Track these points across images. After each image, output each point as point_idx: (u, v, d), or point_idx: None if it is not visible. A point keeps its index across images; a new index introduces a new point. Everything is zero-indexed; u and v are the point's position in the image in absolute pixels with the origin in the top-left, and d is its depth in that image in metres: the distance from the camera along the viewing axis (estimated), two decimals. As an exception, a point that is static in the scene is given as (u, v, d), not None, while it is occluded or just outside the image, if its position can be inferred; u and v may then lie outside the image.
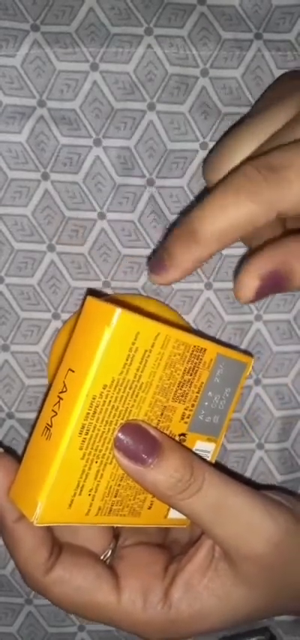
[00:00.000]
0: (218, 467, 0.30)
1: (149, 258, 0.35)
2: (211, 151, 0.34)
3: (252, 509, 0.29)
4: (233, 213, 0.25)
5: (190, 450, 0.29)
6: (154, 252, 0.35)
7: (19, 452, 0.36)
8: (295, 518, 0.30)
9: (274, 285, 0.27)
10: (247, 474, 0.38)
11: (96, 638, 0.38)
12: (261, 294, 0.27)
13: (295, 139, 0.27)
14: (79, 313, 0.27)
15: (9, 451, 0.36)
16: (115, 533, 0.32)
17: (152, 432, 0.28)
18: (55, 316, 0.35)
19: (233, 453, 0.37)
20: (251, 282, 0.27)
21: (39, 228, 0.35)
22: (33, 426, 0.29)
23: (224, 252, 0.36)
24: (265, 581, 0.30)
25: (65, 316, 0.35)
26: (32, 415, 0.36)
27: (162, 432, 0.29)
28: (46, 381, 0.36)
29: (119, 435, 0.28)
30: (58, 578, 0.30)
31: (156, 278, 0.27)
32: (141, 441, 0.28)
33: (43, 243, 0.35)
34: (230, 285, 0.36)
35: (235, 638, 0.38)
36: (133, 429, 0.28)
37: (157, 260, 0.27)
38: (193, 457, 0.29)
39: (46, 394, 0.31)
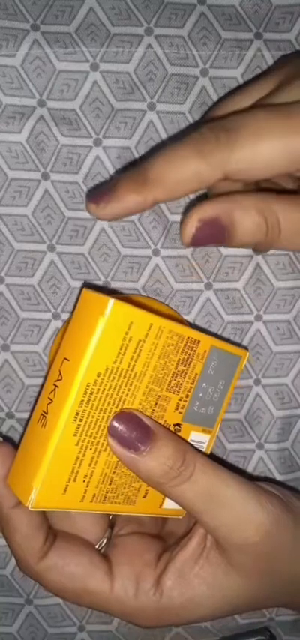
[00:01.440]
0: (217, 460, 0.30)
1: (90, 191, 0.35)
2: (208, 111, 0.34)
3: (243, 498, 0.29)
4: (182, 166, 0.26)
5: (182, 439, 0.30)
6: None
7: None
8: (286, 508, 0.30)
9: (212, 233, 0.28)
10: (247, 474, 0.38)
11: (96, 638, 0.38)
12: (199, 239, 0.28)
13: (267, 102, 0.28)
14: (70, 319, 0.28)
15: (8, 440, 0.36)
16: (111, 522, 0.33)
17: (145, 420, 0.29)
18: (55, 316, 0.35)
19: (233, 453, 0.37)
20: (189, 226, 0.28)
21: (39, 228, 0.35)
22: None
23: (224, 252, 0.36)
24: (256, 570, 0.30)
25: (65, 316, 0.35)
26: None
27: (155, 421, 0.29)
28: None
29: (113, 422, 0.28)
30: (51, 564, 0.30)
31: (93, 207, 0.27)
32: (134, 429, 0.28)
33: (43, 243, 0.35)
34: (230, 285, 0.36)
35: (235, 638, 0.38)
36: (126, 416, 0.28)
37: (99, 191, 0.27)
38: (185, 445, 0.29)
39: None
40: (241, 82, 0.35)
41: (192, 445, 0.31)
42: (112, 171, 0.35)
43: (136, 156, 0.35)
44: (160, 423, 0.30)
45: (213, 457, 0.32)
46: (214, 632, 0.38)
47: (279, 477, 0.38)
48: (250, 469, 0.37)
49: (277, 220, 0.28)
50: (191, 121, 0.35)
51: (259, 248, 0.29)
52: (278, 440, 0.37)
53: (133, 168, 0.27)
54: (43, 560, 0.30)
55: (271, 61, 0.35)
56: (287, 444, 0.37)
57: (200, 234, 0.28)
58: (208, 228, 0.28)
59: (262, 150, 0.26)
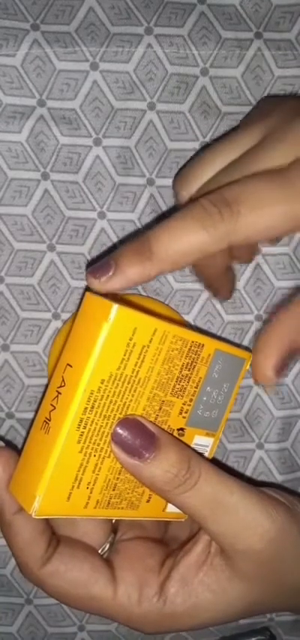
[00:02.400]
0: (217, 464, 0.30)
1: (89, 264, 0.35)
2: (182, 168, 0.35)
3: (248, 505, 0.29)
4: (188, 239, 0.27)
5: (187, 446, 0.30)
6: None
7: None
8: (291, 515, 0.30)
9: (290, 361, 0.28)
10: (247, 474, 0.38)
11: (96, 638, 0.38)
12: (280, 374, 0.28)
13: (253, 171, 0.28)
14: (73, 324, 0.28)
15: (9, 445, 0.36)
16: (114, 527, 0.32)
17: (150, 426, 0.29)
18: (55, 316, 0.35)
19: (233, 453, 0.37)
20: (270, 369, 0.28)
21: (39, 228, 0.35)
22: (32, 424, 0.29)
23: (224, 251, 0.36)
24: (260, 577, 0.30)
25: (65, 316, 0.35)
26: (32, 415, 0.36)
27: (159, 427, 0.29)
28: (46, 381, 0.36)
29: (117, 429, 0.28)
30: (54, 570, 0.30)
31: (94, 281, 0.27)
32: (138, 436, 0.28)
33: (43, 243, 0.35)
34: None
35: (235, 638, 0.38)
36: (130, 423, 0.28)
37: (100, 264, 0.27)
38: (190, 452, 0.29)
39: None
40: (241, 81, 0.35)
41: (196, 451, 0.31)
42: (112, 170, 0.35)
43: (136, 155, 0.35)
44: (164, 430, 0.29)
45: (213, 458, 0.32)
46: (214, 633, 0.38)
47: (279, 477, 0.37)
48: (250, 469, 0.37)
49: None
50: (191, 120, 0.35)
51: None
52: (278, 440, 0.37)
53: (135, 241, 0.27)
54: (45, 567, 0.30)
55: (271, 60, 0.35)
56: (287, 444, 0.37)
57: (281, 371, 0.29)
58: (286, 361, 0.28)
59: (265, 219, 0.27)
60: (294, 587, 0.31)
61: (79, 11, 0.34)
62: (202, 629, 0.32)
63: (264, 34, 0.35)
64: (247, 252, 0.34)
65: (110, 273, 0.27)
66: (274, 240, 0.35)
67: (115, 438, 0.28)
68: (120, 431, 0.28)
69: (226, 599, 0.30)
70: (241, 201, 0.27)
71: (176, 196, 0.32)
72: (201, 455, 0.31)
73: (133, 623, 0.31)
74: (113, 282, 0.27)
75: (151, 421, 0.29)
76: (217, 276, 0.32)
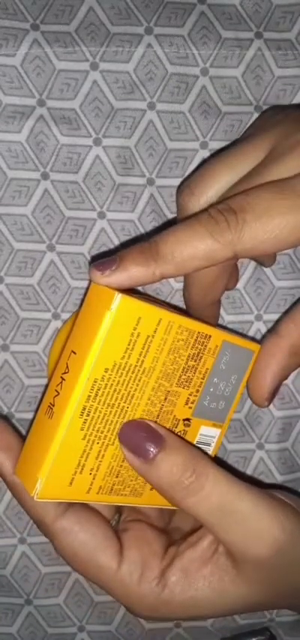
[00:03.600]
0: (218, 462, 0.30)
1: (92, 260, 0.35)
2: (186, 179, 0.35)
3: (258, 513, 0.29)
4: (195, 244, 0.27)
5: (196, 449, 0.30)
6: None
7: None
8: (299, 519, 0.30)
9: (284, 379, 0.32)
10: (247, 474, 0.37)
11: (96, 639, 0.38)
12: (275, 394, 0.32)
13: (260, 183, 0.28)
14: (78, 313, 0.28)
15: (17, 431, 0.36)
16: (119, 509, 0.33)
17: (157, 428, 0.29)
18: (55, 316, 0.35)
19: (233, 453, 0.37)
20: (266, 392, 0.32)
21: (39, 228, 0.35)
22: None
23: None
24: (265, 581, 0.30)
25: (65, 316, 0.35)
26: (32, 415, 0.36)
27: (167, 429, 0.29)
28: (45, 381, 0.36)
29: (123, 428, 0.28)
30: (68, 527, 0.30)
31: (96, 273, 0.27)
32: (145, 436, 0.29)
33: (42, 243, 0.35)
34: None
35: (235, 639, 0.38)
36: (137, 424, 0.29)
37: (106, 259, 0.27)
38: (197, 457, 0.29)
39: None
40: (242, 81, 0.35)
41: (202, 442, 0.31)
42: (112, 170, 0.35)
43: (136, 155, 0.35)
44: (172, 432, 0.30)
45: (214, 456, 0.32)
46: (214, 633, 0.38)
47: (279, 478, 0.37)
48: (250, 469, 0.37)
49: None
50: (191, 120, 0.35)
51: None
52: (278, 440, 0.37)
53: (142, 243, 0.28)
54: (60, 521, 0.30)
55: (271, 60, 0.35)
56: (287, 444, 0.37)
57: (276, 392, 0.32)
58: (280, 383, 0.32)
59: (272, 229, 0.27)
60: (298, 588, 0.31)
61: (79, 11, 0.34)
62: (196, 620, 0.32)
63: (264, 34, 0.35)
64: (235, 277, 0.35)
65: (113, 268, 0.27)
66: (273, 259, 0.35)
67: (122, 438, 0.28)
68: (126, 430, 0.28)
69: (226, 598, 0.30)
70: (247, 210, 0.27)
71: (180, 208, 0.32)
72: (208, 445, 0.32)
73: (130, 602, 0.31)
74: (115, 276, 0.27)
75: (158, 423, 0.29)
76: (206, 305, 0.33)
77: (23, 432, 0.36)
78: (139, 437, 0.28)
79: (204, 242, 0.27)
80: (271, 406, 0.37)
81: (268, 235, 0.27)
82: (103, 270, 0.27)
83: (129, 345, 0.27)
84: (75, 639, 0.38)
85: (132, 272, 0.27)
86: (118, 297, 0.26)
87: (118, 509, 0.33)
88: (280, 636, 0.39)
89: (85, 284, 0.35)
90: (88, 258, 0.35)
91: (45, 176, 0.34)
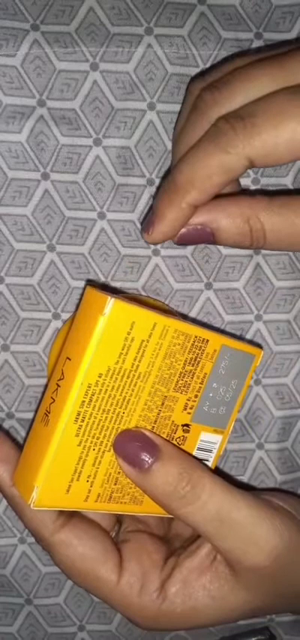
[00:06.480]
0: (220, 468, 0.30)
1: (142, 222, 0.35)
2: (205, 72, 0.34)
3: (255, 522, 0.29)
4: (206, 162, 0.26)
5: (192, 458, 0.29)
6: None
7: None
8: (297, 526, 0.30)
9: (198, 235, 0.29)
10: (247, 474, 0.38)
11: (96, 638, 0.38)
12: (185, 239, 0.29)
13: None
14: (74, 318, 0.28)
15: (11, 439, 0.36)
16: (119, 519, 0.33)
17: (152, 437, 0.29)
18: (55, 316, 0.35)
19: (233, 453, 0.37)
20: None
21: (39, 228, 0.35)
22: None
23: (224, 252, 0.36)
24: (264, 587, 0.30)
25: (65, 316, 0.35)
26: (32, 415, 0.36)
27: (164, 439, 0.29)
28: (45, 381, 0.36)
29: (118, 438, 0.28)
30: (67, 540, 0.30)
31: (146, 236, 0.28)
32: (140, 447, 0.28)
33: (43, 243, 0.35)
34: (230, 284, 0.36)
35: (235, 638, 0.38)
36: (132, 433, 0.28)
37: (146, 220, 0.28)
38: (193, 466, 0.29)
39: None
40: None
41: (203, 448, 0.31)
42: (112, 170, 0.35)
43: (136, 155, 0.35)
44: (169, 441, 0.29)
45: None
46: (214, 633, 0.38)
47: (279, 477, 0.37)
48: (250, 469, 0.37)
49: (262, 227, 0.28)
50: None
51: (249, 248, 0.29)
52: (278, 440, 0.37)
53: (165, 180, 0.28)
54: (58, 534, 0.30)
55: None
56: (287, 444, 0.37)
57: (187, 236, 0.29)
58: (195, 232, 0.29)
59: (285, 133, 0.25)
60: (297, 593, 0.31)
61: (79, 11, 0.34)
62: (197, 629, 0.32)
63: (264, 35, 0.35)
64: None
65: (154, 223, 0.27)
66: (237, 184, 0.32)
67: (116, 448, 0.28)
68: (121, 440, 0.28)
69: (225, 606, 0.30)
70: (256, 114, 0.26)
71: (197, 106, 0.29)
72: (209, 451, 0.31)
73: (130, 614, 0.31)
74: (158, 231, 0.28)
75: (155, 431, 0.29)
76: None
77: (23, 432, 0.36)
78: (134, 446, 0.28)
79: (215, 157, 0.26)
80: (271, 406, 0.37)
81: (282, 139, 0.25)
82: (148, 229, 0.28)
83: (123, 349, 0.27)
84: (75, 639, 0.38)
85: (167, 216, 0.27)
86: (111, 301, 0.26)
87: (119, 519, 0.33)
88: (280, 635, 0.39)
89: (85, 284, 0.35)
90: (88, 258, 0.35)
91: (45, 176, 0.34)
